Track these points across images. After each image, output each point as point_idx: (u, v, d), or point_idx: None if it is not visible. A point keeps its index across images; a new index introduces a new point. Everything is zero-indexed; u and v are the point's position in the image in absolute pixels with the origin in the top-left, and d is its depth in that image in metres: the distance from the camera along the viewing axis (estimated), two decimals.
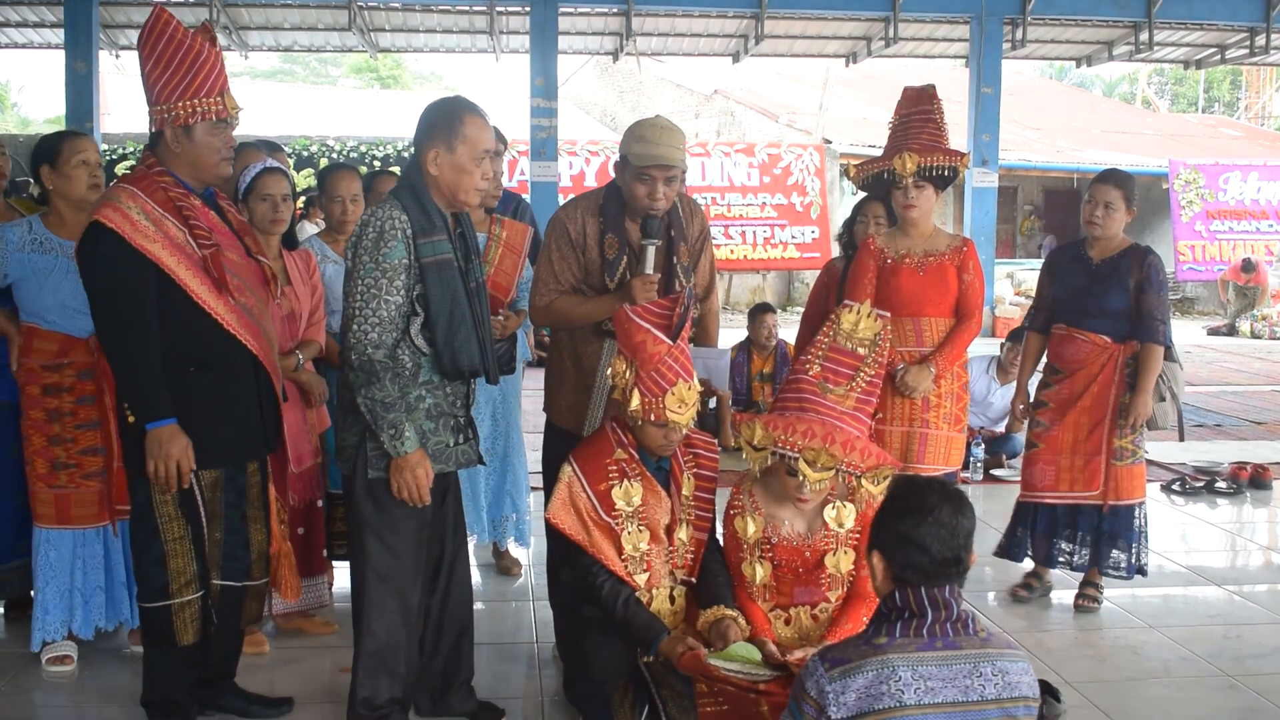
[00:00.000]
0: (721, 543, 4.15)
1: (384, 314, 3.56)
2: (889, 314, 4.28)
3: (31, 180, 4.33)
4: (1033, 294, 5.85)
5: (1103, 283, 5.21)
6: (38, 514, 4.32)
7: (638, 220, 4.24)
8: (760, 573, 3.99)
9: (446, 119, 3.67)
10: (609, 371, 3.92)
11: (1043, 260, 5.67)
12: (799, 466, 3.79)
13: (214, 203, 3.84)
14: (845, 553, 3.96)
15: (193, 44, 3.58)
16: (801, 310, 7.10)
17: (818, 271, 7.01)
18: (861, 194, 5.96)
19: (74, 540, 4.32)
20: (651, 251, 4.20)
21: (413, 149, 3.75)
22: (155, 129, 3.67)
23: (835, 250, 7.75)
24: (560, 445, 4.36)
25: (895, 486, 2.91)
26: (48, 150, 4.29)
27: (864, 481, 3.81)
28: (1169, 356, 5.25)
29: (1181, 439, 6.34)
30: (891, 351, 4.93)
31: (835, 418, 3.91)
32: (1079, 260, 5.34)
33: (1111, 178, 5.28)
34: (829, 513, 3.97)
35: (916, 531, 2.62)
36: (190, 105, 3.59)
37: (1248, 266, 18.83)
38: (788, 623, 4.01)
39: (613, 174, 4.33)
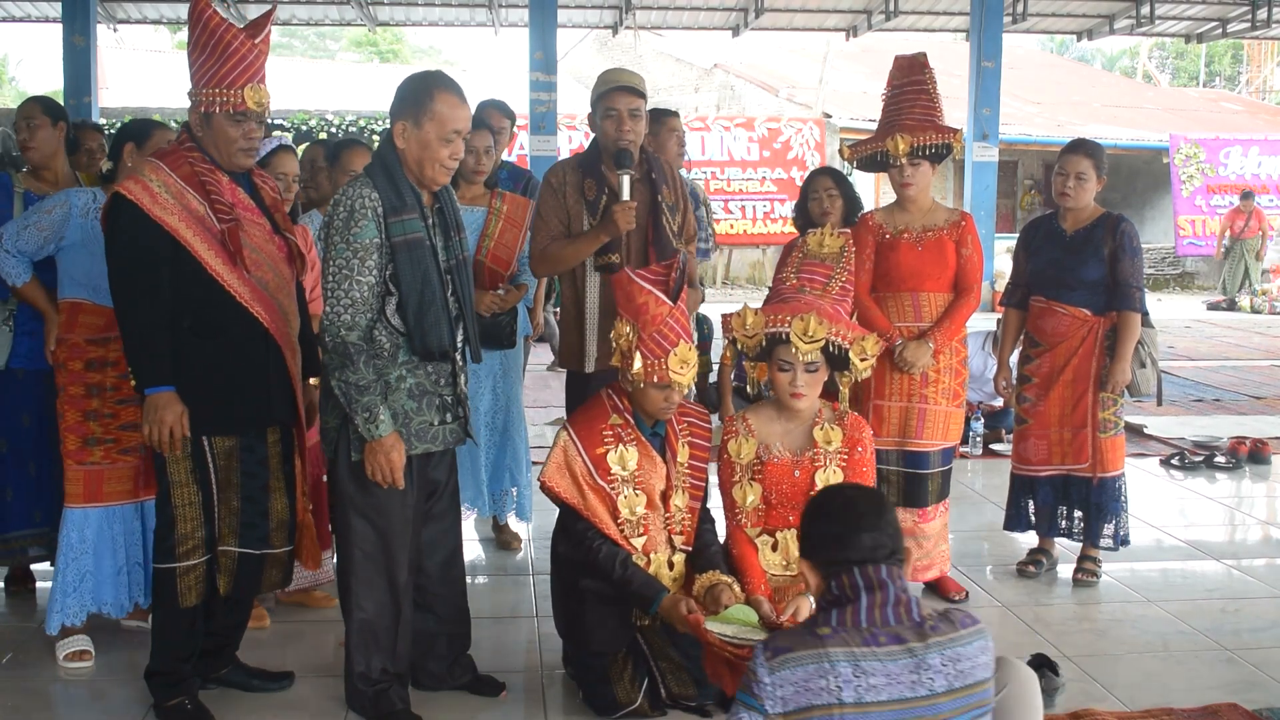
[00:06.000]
0: (717, 476, 4.19)
1: (356, 295, 3.53)
2: (857, 248, 4.44)
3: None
4: None
5: (1078, 254, 5.21)
6: (67, 493, 4.29)
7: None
8: (751, 496, 4.06)
9: (416, 93, 3.62)
10: (611, 334, 3.95)
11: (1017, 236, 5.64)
12: (792, 340, 3.91)
13: (248, 179, 3.89)
14: (835, 470, 4.05)
15: (224, 35, 3.64)
16: None
17: None
18: (857, 170, 5.93)
19: (101, 519, 4.27)
20: (627, 180, 4.43)
21: (388, 121, 3.72)
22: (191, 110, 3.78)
23: None
24: (577, 388, 4.64)
25: (815, 496, 2.98)
26: (138, 132, 4.44)
27: (852, 355, 3.97)
28: (1145, 322, 5.26)
29: (1160, 404, 6.34)
30: (890, 326, 4.94)
31: (818, 305, 4.06)
32: (1053, 233, 5.33)
33: (1081, 148, 5.26)
34: (818, 433, 4.08)
35: (837, 523, 2.67)
36: (210, 94, 3.67)
37: (1246, 196, 18.72)
38: (774, 548, 4.06)
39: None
